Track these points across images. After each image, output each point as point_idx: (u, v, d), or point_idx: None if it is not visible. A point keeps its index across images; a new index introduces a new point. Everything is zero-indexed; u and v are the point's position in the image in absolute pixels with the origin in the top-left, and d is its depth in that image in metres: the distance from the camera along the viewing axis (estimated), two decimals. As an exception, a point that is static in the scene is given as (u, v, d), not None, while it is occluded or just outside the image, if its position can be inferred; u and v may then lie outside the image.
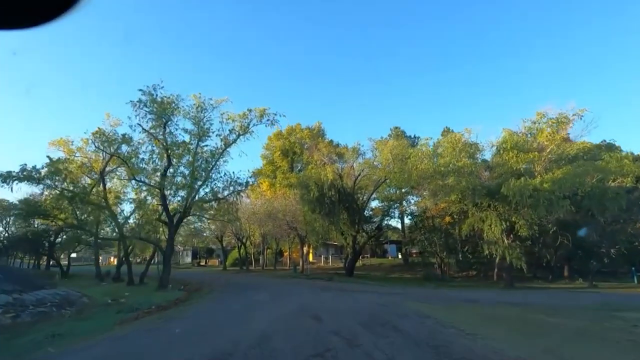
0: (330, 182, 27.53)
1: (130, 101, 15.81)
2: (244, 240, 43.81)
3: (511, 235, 24.09)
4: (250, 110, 19.03)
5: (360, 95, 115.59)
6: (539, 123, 22.03)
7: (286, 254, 53.78)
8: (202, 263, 65.34)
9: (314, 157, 30.72)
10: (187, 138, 18.35)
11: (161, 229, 23.45)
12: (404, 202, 32.93)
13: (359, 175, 29.33)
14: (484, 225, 23.95)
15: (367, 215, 32.99)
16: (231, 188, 18.90)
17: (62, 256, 43.51)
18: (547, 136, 21.42)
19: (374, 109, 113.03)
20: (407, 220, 48.27)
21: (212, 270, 48.05)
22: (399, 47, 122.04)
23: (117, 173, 23.00)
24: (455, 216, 35.18)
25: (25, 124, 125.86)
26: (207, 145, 18.66)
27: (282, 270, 43.93)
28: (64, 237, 34.22)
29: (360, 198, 31.41)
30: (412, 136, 44.23)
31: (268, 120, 19.57)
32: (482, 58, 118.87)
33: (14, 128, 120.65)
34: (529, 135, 22.45)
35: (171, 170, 17.78)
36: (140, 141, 18.14)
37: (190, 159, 17.97)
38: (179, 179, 18.25)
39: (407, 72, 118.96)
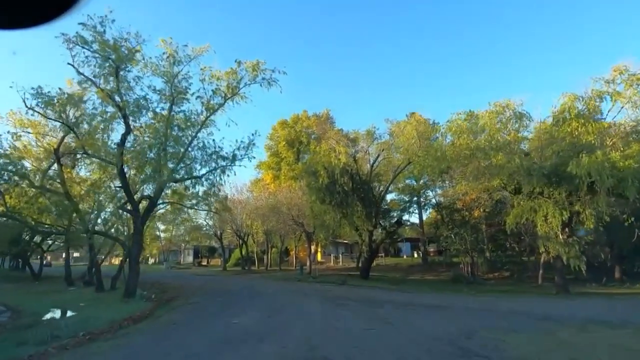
0: (342, 167, 22.61)
1: (62, 35, 11.03)
2: (245, 238, 39.05)
3: (566, 230, 18.93)
4: (239, 64, 14.23)
5: (370, 83, 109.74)
6: (613, 83, 16.85)
7: (292, 253, 49.04)
8: (204, 263, 60.92)
9: (322, 145, 25.76)
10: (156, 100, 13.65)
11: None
12: (429, 191, 27.79)
13: (376, 158, 24.36)
14: (537, 216, 18.85)
15: (384, 208, 27.93)
16: (212, 164, 14.08)
17: (45, 256, 39.24)
18: (629, 98, 16.23)
19: (386, 95, 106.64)
20: (424, 215, 43.32)
21: (212, 271, 43.39)
22: (414, 31, 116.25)
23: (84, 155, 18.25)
24: (487, 208, 30.09)
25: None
26: (182, 111, 13.93)
27: (287, 271, 39.16)
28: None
29: (377, 188, 26.41)
30: (432, 122, 39.07)
31: (264, 79, 14.75)
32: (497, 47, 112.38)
33: None
34: (597, 100, 17.26)
35: (132, 139, 13.10)
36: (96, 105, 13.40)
37: (158, 124, 13.22)
38: (150, 154, 13.45)
39: (413, 58, 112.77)
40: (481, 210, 29.93)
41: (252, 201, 38.32)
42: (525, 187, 17.86)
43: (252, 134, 14.83)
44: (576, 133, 17.44)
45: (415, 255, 50.64)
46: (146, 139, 13.12)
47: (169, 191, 17.18)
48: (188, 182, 14.13)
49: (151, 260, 72.31)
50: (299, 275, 29.96)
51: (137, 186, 14.30)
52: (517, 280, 30.13)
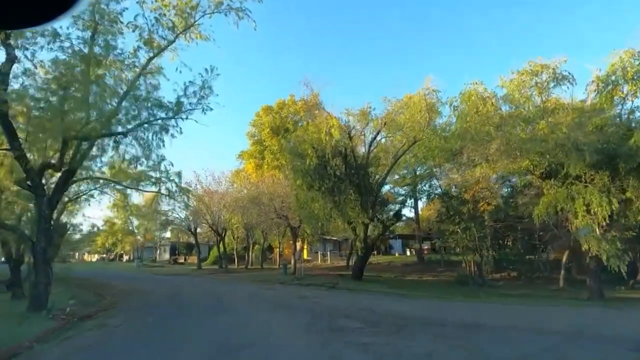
0: (334, 146, 18.39)
1: None
2: (222, 234, 34.53)
3: (604, 222, 15.11)
4: (193, -17, 9.93)
5: (365, 68, 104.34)
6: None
7: (276, 250, 44.76)
8: (181, 260, 56.02)
9: (309, 128, 21.35)
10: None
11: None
12: (434, 180, 23.69)
13: (374, 137, 20.16)
14: (575, 205, 15.02)
15: (382, 198, 23.80)
16: (145, 114, 9.53)
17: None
18: None
19: (383, 79, 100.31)
20: (421, 211, 39.68)
21: (186, 269, 38.70)
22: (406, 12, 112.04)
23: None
24: (493, 201, 26.32)
25: None
26: (112, 46, 9.44)
27: (270, 270, 34.85)
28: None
29: (374, 175, 22.28)
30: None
31: (230, 8, 10.44)
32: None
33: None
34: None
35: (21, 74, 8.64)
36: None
37: (73, 60, 8.75)
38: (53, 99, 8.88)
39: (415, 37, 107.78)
40: (487, 203, 26.23)
41: (232, 192, 33.83)
42: (572, 168, 13.93)
43: (207, 72, 10.39)
44: (632, 100, 13.69)
45: (408, 253, 46.98)
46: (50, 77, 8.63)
47: (105, 168, 12.67)
48: (111, 144, 9.70)
49: (125, 258, 67.09)
50: (282, 276, 25.69)
51: (37, 153, 9.69)
52: (527, 281, 26.55)
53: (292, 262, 27.68)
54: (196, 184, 32.22)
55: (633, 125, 15.13)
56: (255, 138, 45.20)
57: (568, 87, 14.53)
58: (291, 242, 44.63)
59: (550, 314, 12.52)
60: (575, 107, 15.00)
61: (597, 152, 13.39)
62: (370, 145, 20.26)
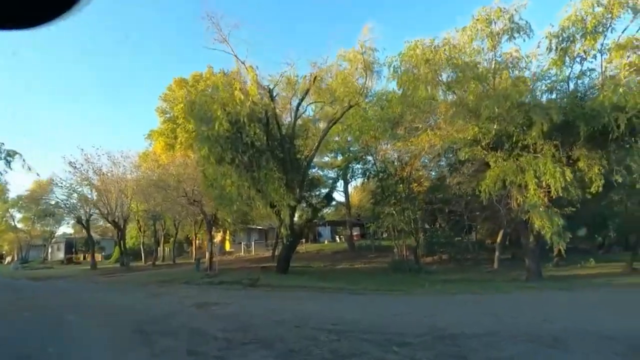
0: (251, 109, 14.46)
1: None
2: (122, 225, 28.53)
3: (556, 195, 13.61)
4: None
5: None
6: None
7: (195, 243, 39.51)
8: (80, 259, 47.45)
9: (219, 84, 16.94)
10: None
11: None
12: (369, 157, 20.85)
13: (301, 99, 16.56)
14: (525, 177, 13.22)
15: (312, 177, 20.47)
16: None
17: None
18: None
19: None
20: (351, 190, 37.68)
21: (76, 271, 31.77)
22: None
23: None
24: (427, 181, 24.76)
25: None
26: None
27: (183, 266, 29.88)
28: None
29: (303, 149, 18.84)
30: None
31: None
32: None
33: None
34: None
35: None
36: None
37: None
38: None
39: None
40: (419, 183, 24.54)
41: (134, 175, 27.94)
42: (535, 129, 11.85)
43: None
44: (588, 55, 12.01)
45: (338, 240, 45.00)
46: None
47: None
48: None
49: (8, 259, 55.69)
50: (193, 273, 21.25)
51: None
52: (458, 264, 25.61)
53: (207, 255, 23.27)
54: (82, 165, 25.81)
55: (579, 95, 13.65)
56: (167, 115, 38.99)
57: (524, 39, 12.50)
58: (214, 232, 40.00)
59: (514, 304, 10.35)
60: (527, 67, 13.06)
61: (563, 112, 11.47)
62: (296, 111, 16.68)
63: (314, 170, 26.91)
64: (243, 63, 14.41)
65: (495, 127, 13.89)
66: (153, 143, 39.54)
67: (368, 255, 31.43)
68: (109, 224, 30.31)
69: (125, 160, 28.04)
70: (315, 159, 30.56)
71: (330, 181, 25.16)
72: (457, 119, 12.97)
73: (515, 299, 11.36)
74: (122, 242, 29.28)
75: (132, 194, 25.96)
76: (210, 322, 7.08)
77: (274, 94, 16.59)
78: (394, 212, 19.57)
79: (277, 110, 18.00)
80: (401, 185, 19.37)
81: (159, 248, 39.82)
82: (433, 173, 24.07)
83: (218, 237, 40.07)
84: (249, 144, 14.54)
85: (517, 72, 12.30)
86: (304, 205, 18.74)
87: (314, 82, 15.09)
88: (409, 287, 15.21)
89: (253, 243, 38.92)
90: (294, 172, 16.73)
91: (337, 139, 22.51)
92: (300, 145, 18.12)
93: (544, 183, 12.99)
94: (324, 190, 26.73)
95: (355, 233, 42.25)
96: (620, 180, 12.35)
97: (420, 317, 8.07)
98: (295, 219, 21.91)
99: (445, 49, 12.15)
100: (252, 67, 14.23)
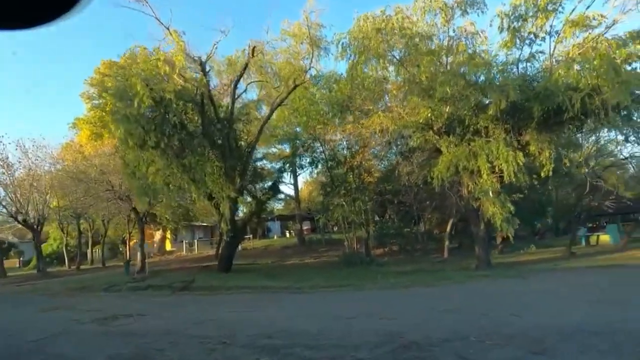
0: (179, 84, 12.34)
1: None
2: (30, 223, 24.60)
3: (509, 180, 13.17)
4: None
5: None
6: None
7: (131, 243, 35.82)
8: (-7, 266, 41.15)
9: (139, 55, 14.30)
10: None
11: None
12: (317, 144, 19.31)
13: (239, 76, 14.58)
14: (478, 162, 12.60)
15: (255, 167, 18.62)
16: None
17: None
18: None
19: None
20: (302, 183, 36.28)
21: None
22: None
23: None
24: (376, 171, 23.99)
25: None
26: None
27: (115, 269, 26.62)
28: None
29: (244, 135, 16.94)
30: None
31: None
32: None
33: None
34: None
35: None
36: None
37: None
38: None
39: None
40: (369, 173, 23.75)
41: (51, 168, 24.15)
42: (492, 109, 11.09)
43: None
44: (538, 36, 11.53)
45: (288, 235, 43.40)
46: None
47: None
48: None
49: None
50: (120, 277, 18.57)
51: None
52: (408, 254, 25.25)
53: (139, 256, 20.57)
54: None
55: (528, 80, 13.25)
56: (95, 102, 34.70)
57: (478, 14, 11.77)
58: (154, 231, 36.43)
59: (473, 296, 9.51)
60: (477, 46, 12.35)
61: (521, 90, 10.82)
62: (234, 89, 14.72)
63: (262, 163, 25.05)
64: (167, 28, 12.21)
65: (447, 109, 13.13)
66: (78, 132, 35.08)
67: (319, 249, 30.28)
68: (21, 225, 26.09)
69: (39, 150, 24.11)
70: (262, 151, 28.75)
71: (276, 173, 23.43)
72: (410, 97, 11.98)
73: (472, 290, 10.63)
74: (38, 244, 25.33)
75: (49, 188, 22.35)
76: (102, 347, 5.22)
77: (207, 68, 14.45)
78: (344, 203, 18.42)
79: (216, 92, 16.00)
80: (351, 175, 18.21)
81: (88, 250, 35.63)
82: (385, 163, 23.28)
83: (157, 236, 36.83)
84: (177, 125, 12.41)
85: (472, 48, 11.53)
86: (248, 197, 16.92)
87: (252, 54, 13.25)
88: (361, 281, 14.13)
89: (196, 241, 36.13)
90: (233, 159, 14.87)
91: (285, 128, 20.82)
92: (241, 131, 16.24)
93: (496, 168, 12.45)
94: (281, 172, 24.97)
95: (305, 227, 40.95)
96: (568, 164, 12.09)
97: (376, 319, 6.80)
98: (241, 214, 20.07)
99: (397, 18, 11.05)
100: (177, 33, 12.10)
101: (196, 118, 14.09)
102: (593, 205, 20.66)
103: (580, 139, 19.30)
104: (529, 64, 13.24)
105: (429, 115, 12.73)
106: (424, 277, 14.27)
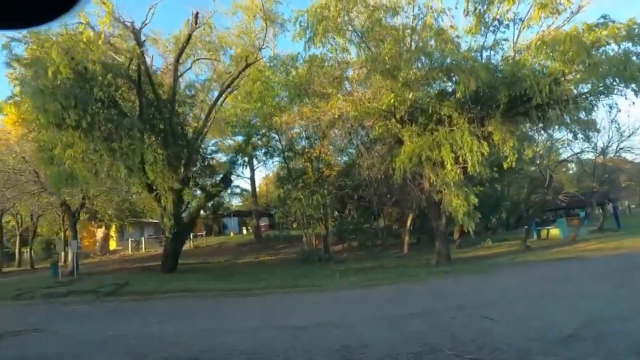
0: (107, 54, 10.40)
1: None
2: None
3: (473, 171, 12.54)
4: None
5: None
6: None
7: (63, 240, 32.21)
8: None
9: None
10: None
11: None
12: (274, 134, 17.62)
13: (181, 50, 12.69)
14: (442, 152, 11.85)
15: (205, 156, 16.78)
16: None
17: None
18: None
19: None
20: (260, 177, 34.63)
21: None
22: None
23: None
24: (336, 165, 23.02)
25: None
26: None
27: (44, 271, 23.53)
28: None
29: (190, 119, 15.15)
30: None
31: None
32: None
33: None
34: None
35: None
36: None
37: None
38: None
39: None
40: (330, 167, 22.74)
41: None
42: (459, 89, 10.25)
43: None
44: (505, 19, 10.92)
45: (245, 232, 41.48)
46: None
47: None
48: None
49: None
50: (47, 279, 16.12)
51: None
52: (368, 250, 24.55)
53: (69, 256, 18.06)
54: None
55: (492, 67, 12.70)
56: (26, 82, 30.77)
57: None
58: (94, 228, 33.04)
59: (438, 296, 8.63)
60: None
61: (489, 71, 10.08)
62: (176, 64, 12.88)
63: (218, 156, 23.05)
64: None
65: (411, 96, 12.26)
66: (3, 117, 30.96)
67: (276, 246, 28.88)
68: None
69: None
70: (216, 141, 26.75)
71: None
72: (372, 77, 10.92)
73: (436, 288, 9.81)
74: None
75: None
76: None
77: (143, 37, 12.37)
78: (301, 196, 17.15)
79: (161, 74, 14.10)
80: (309, 165, 16.98)
81: (17, 250, 31.63)
82: (345, 158, 22.31)
83: (99, 234, 33.52)
84: (105, 102, 10.48)
85: (438, 25, 10.71)
86: (198, 191, 15.20)
87: (195, 21, 11.50)
88: (319, 280, 12.99)
89: (144, 239, 33.34)
90: (177, 147, 13.10)
91: (240, 116, 19.12)
92: (187, 115, 14.43)
93: (460, 158, 11.75)
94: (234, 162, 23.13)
95: (263, 223, 39.41)
96: (531, 155, 11.65)
97: (331, 330, 5.62)
98: (192, 208, 18.18)
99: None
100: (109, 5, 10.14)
101: (133, 97, 12.17)
102: (547, 200, 20.97)
103: (534, 135, 19.39)
104: (492, 52, 12.70)
105: (392, 101, 11.78)
106: (384, 274, 13.40)
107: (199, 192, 16.95)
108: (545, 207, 22.31)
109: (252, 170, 31.01)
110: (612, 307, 5.95)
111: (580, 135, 20.67)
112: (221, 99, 14.01)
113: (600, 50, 9.15)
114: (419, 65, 10.11)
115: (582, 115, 12.56)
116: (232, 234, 39.50)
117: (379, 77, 10.74)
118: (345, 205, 28.81)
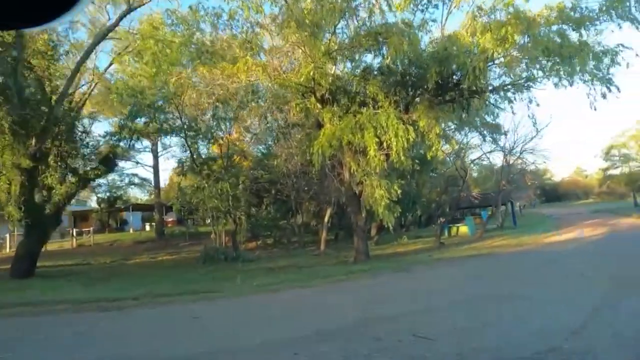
0: None
1: None
2: None
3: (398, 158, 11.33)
4: None
5: None
6: None
7: None
8: None
9: None
10: None
11: None
12: (171, 113, 14.33)
13: None
14: (365, 136, 10.43)
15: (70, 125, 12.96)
16: None
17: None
18: None
19: None
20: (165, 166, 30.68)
21: None
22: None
23: None
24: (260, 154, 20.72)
25: None
26: None
27: None
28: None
29: (50, 74, 11.51)
30: None
31: None
32: None
33: None
34: None
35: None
36: None
37: None
38: None
39: None
40: (244, 157, 20.42)
41: None
42: (389, 54, 8.75)
43: None
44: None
45: (148, 228, 36.64)
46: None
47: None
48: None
49: None
50: None
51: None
52: (284, 248, 22.69)
53: None
54: None
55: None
56: None
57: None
58: None
59: (354, 300, 7.04)
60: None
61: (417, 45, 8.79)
62: None
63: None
64: None
65: (333, 71, 10.65)
66: None
67: (180, 243, 25.49)
68: None
69: None
70: (108, 121, 22.31)
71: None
72: (286, 28, 8.93)
73: (354, 291, 8.28)
74: None
75: None
76: None
77: None
78: (205, 185, 14.51)
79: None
80: (219, 151, 14.40)
81: None
82: (262, 148, 20.06)
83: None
84: None
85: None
86: (59, 169, 11.68)
87: None
88: (217, 283, 10.69)
89: (9, 236, 26.99)
90: (26, 110, 9.63)
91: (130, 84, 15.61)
92: (45, 70, 10.84)
93: (384, 144, 10.46)
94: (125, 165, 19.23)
95: (170, 219, 35.28)
96: (455, 146, 10.86)
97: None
98: (57, 196, 14.31)
99: None
100: None
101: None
102: (462, 197, 21.32)
103: (453, 134, 19.46)
104: (420, 33, 11.69)
105: (312, 73, 9.98)
106: (296, 274, 11.59)
107: (71, 176, 13.25)
108: (458, 205, 22.75)
109: (156, 157, 27.06)
110: (565, 314, 4.88)
111: (488, 138, 21.71)
112: (107, 66, 10.77)
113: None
114: (344, 28, 8.47)
115: (505, 105, 12.27)
116: (131, 231, 34.46)
117: (295, 33, 8.80)
118: (261, 199, 26.62)
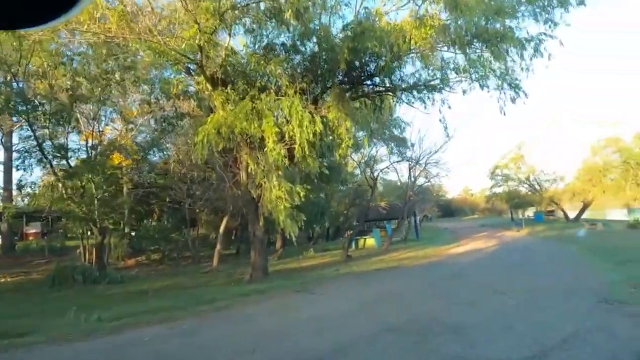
0: None
1: None
2: None
3: (302, 154, 9.52)
4: None
5: None
6: None
7: None
8: None
9: None
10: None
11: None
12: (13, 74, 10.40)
13: None
14: (264, 125, 8.45)
15: None
16: None
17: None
18: None
19: None
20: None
21: None
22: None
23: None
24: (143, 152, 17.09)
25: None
26: None
27: None
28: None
29: None
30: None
31: None
32: None
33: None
34: None
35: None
36: None
37: None
38: None
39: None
40: (124, 157, 16.69)
41: None
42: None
43: None
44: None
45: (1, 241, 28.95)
46: None
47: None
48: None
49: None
50: None
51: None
52: (173, 264, 19.22)
53: None
54: None
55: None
56: None
57: None
58: None
59: (249, 343, 4.85)
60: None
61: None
62: None
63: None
64: None
65: (227, 43, 8.52)
66: None
67: (35, 261, 19.99)
68: None
69: None
70: None
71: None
72: None
73: (237, 328, 6.03)
74: None
75: None
76: None
77: None
78: (55, 182, 10.84)
79: None
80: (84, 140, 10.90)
81: None
82: (140, 142, 16.58)
83: None
84: None
85: None
86: None
87: None
88: (44, 319, 7.41)
89: None
90: None
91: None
92: None
93: (287, 135, 8.60)
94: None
95: (33, 230, 28.34)
96: (367, 147, 9.61)
97: None
98: None
99: None
100: None
101: None
102: (369, 207, 20.59)
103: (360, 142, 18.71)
104: (333, 18, 10.29)
105: (198, 40, 7.69)
106: (173, 300, 8.84)
107: None
108: (367, 217, 22.04)
109: (10, 151, 21.19)
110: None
111: (395, 150, 21.69)
112: None
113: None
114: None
115: (420, 104, 11.58)
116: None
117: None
118: (151, 208, 22.65)
